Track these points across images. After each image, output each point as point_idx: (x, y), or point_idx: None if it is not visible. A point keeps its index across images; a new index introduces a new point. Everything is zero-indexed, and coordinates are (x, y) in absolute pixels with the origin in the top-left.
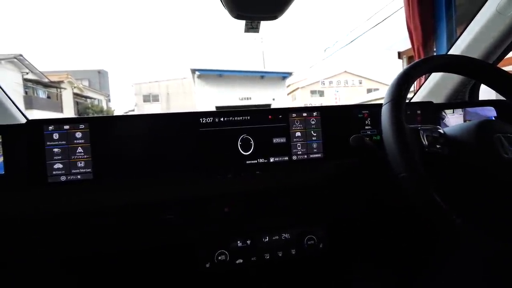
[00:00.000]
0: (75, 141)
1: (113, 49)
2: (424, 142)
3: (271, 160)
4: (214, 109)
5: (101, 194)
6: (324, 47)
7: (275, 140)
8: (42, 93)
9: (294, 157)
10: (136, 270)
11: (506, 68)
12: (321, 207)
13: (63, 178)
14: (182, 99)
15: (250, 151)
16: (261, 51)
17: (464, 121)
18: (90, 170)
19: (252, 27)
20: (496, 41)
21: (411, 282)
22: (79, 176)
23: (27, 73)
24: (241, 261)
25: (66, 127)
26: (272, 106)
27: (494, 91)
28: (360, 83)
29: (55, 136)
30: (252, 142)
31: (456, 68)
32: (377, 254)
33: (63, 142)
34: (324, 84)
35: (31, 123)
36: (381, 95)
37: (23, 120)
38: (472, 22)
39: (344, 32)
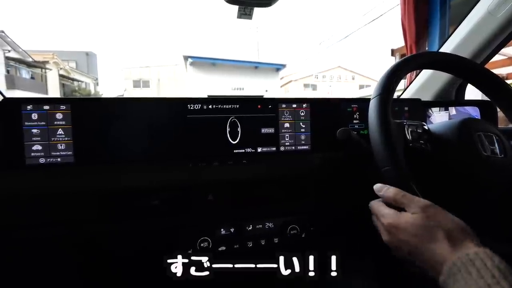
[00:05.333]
0: (55, 123)
1: (103, 31)
2: (408, 137)
3: (259, 150)
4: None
5: (83, 178)
6: (319, 41)
7: (263, 130)
8: (25, 73)
9: (282, 148)
10: (115, 255)
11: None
12: (306, 198)
13: (42, 161)
14: (173, 86)
15: (238, 140)
16: (256, 41)
17: (449, 119)
18: (71, 153)
19: (245, 13)
20: (486, 41)
21: (392, 275)
22: (59, 159)
23: (9, 51)
24: (224, 248)
25: (46, 107)
26: None
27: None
28: (353, 78)
29: (34, 116)
30: (240, 131)
31: (444, 66)
32: (360, 246)
33: (43, 123)
34: (317, 78)
35: (8, 101)
36: (372, 91)
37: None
38: (464, 21)
39: (340, 26)
